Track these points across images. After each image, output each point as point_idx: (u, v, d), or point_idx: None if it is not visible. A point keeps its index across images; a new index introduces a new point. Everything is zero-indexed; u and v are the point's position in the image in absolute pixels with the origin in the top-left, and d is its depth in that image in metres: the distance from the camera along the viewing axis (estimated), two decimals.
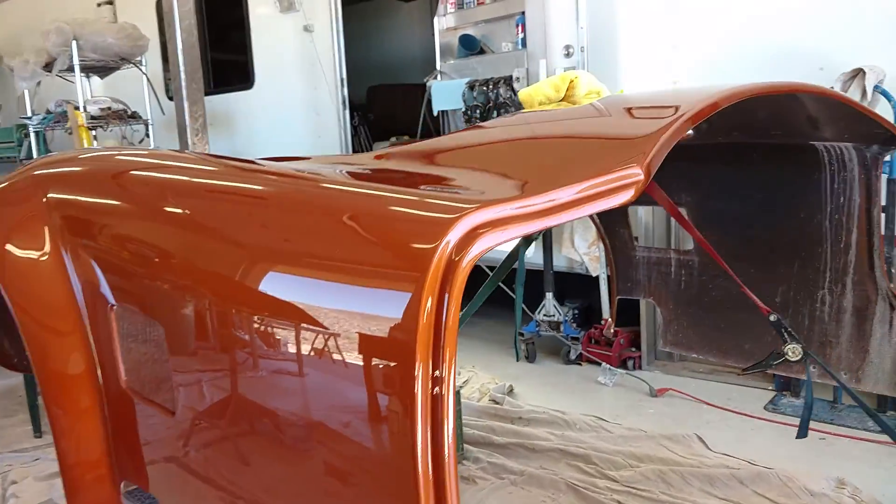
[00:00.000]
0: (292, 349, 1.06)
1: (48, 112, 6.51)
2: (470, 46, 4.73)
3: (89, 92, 6.79)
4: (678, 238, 3.90)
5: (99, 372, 1.57)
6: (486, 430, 3.20)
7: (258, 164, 1.51)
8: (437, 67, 4.92)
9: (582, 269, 4.15)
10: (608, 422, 3.27)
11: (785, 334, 1.53)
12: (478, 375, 3.97)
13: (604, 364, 3.90)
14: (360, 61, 7.00)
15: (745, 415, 3.29)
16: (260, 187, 1.35)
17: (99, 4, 8.01)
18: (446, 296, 0.83)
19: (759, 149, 2.25)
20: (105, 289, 1.55)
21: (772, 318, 1.56)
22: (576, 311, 4.29)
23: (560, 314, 4.20)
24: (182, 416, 1.35)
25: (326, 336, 0.98)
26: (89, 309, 1.57)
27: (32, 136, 6.49)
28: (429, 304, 0.83)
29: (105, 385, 1.56)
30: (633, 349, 4.00)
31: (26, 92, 6.38)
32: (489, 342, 4.53)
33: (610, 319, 2.88)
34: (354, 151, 6.31)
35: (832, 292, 2.18)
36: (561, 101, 1.68)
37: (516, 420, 3.35)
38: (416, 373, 0.83)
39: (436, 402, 0.83)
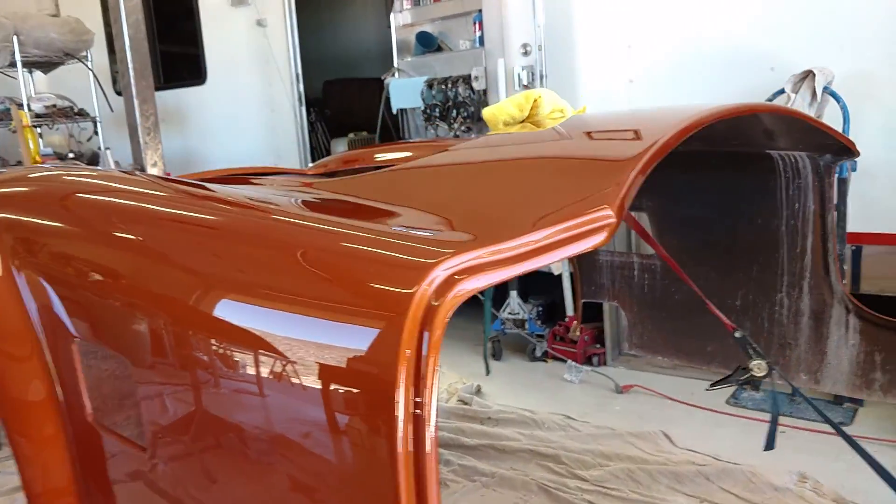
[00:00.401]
0: (267, 382, 1.04)
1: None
2: (427, 44, 4.70)
3: (32, 88, 6.56)
4: (639, 241, 3.96)
5: (62, 400, 1.52)
6: (455, 432, 3.22)
7: (220, 193, 1.47)
8: (395, 65, 4.88)
9: (545, 267, 4.18)
10: (576, 420, 3.32)
11: (750, 351, 1.56)
12: (445, 375, 3.98)
13: (569, 361, 3.95)
14: (315, 54, 6.90)
15: (709, 409, 3.38)
16: (220, 219, 1.32)
17: None
18: (426, 334, 0.83)
19: (716, 156, 2.29)
20: (63, 317, 1.51)
21: (737, 334, 1.59)
22: (540, 309, 4.32)
23: (524, 312, 4.23)
24: (153, 450, 1.32)
25: (307, 370, 0.97)
26: (48, 336, 1.52)
27: None
28: (406, 342, 0.83)
29: (70, 415, 1.51)
30: (598, 345, 4.06)
31: None
32: (456, 340, 4.54)
33: (576, 321, 2.91)
34: (312, 148, 6.23)
35: (790, 296, 2.24)
36: (525, 120, 1.68)
37: (486, 420, 3.38)
38: (395, 399, 0.83)
39: (417, 422, 0.84)
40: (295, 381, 0.98)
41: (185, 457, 1.34)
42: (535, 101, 1.67)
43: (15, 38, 5.60)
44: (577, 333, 3.74)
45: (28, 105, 5.86)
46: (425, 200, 1.20)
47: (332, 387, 0.95)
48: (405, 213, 1.12)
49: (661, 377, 3.84)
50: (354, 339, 0.91)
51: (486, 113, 1.69)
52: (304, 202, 1.34)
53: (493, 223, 1.03)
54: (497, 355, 4.27)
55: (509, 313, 4.29)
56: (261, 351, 1.03)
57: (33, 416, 1.51)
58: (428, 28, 4.76)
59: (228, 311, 1.11)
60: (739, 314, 2.29)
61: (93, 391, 1.49)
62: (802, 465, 2.68)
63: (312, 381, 0.96)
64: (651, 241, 1.78)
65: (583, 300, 2.76)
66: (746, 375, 1.60)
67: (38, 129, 6.02)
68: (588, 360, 4.04)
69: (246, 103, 6.26)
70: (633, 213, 2.16)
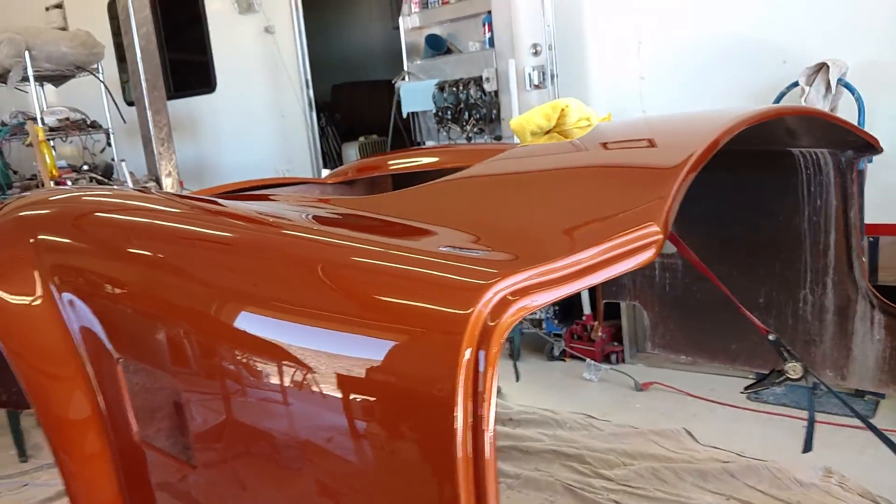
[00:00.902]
0: (326, 402, 1.05)
1: (3, 124, 6.32)
2: (437, 46, 4.72)
3: (44, 101, 6.61)
4: None
5: (106, 417, 1.55)
6: None
7: (253, 210, 1.49)
8: (405, 68, 4.90)
9: None
10: (597, 419, 3.33)
11: (785, 353, 1.58)
12: None
13: (588, 360, 3.96)
14: (323, 58, 6.93)
15: (730, 405, 3.39)
16: (263, 236, 1.34)
17: (48, 8, 7.79)
18: (481, 353, 0.85)
19: (737, 154, 2.30)
20: (102, 336, 1.53)
21: (770, 337, 1.61)
22: (556, 308, 4.34)
23: (541, 311, 4.25)
24: (202, 466, 1.35)
25: (369, 391, 0.98)
26: (91, 355, 1.55)
27: None
28: (464, 361, 0.86)
29: (115, 434, 1.54)
30: (616, 343, 4.08)
31: None
32: None
33: (596, 322, 2.93)
34: (323, 153, 6.26)
35: (814, 292, 2.25)
36: (552, 129, 1.70)
37: (507, 422, 3.40)
38: (455, 413, 0.86)
39: (477, 436, 0.87)
40: (357, 401, 1.00)
41: (231, 473, 1.36)
42: (563, 110, 1.69)
43: (27, 53, 5.64)
44: (599, 335, 3.75)
45: (42, 119, 5.90)
46: (466, 217, 1.22)
47: (392, 405, 0.97)
48: (448, 232, 1.13)
49: (680, 373, 3.85)
50: (413, 360, 0.92)
51: (514, 124, 1.71)
52: (347, 224, 1.36)
53: (540, 241, 1.04)
54: (515, 356, 4.29)
55: None
56: (317, 370, 1.05)
57: (77, 433, 1.54)
58: (437, 30, 4.77)
59: (289, 332, 1.12)
60: (763, 312, 2.30)
61: (135, 407, 1.51)
62: (827, 459, 2.69)
63: (374, 402, 0.97)
64: (677, 242, 1.79)
65: (604, 301, 2.78)
66: (782, 378, 1.61)
67: (52, 142, 6.07)
68: (606, 358, 4.05)
69: (256, 110, 6.30)
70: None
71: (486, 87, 4.31)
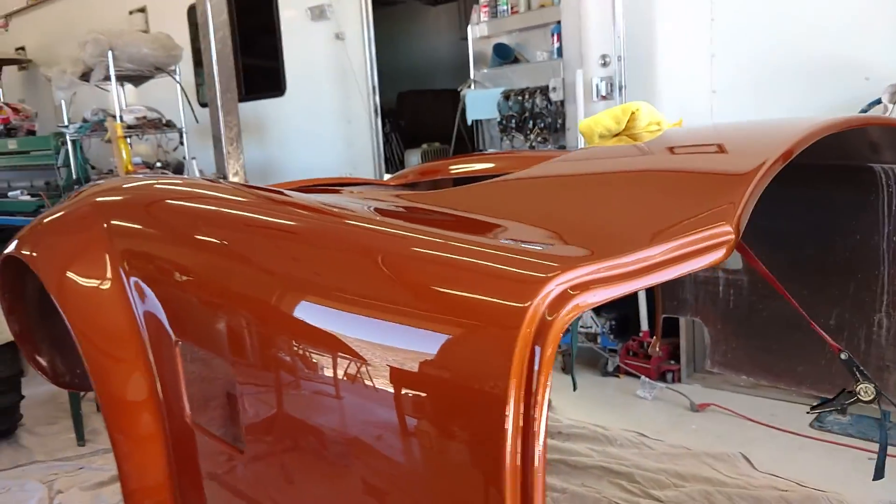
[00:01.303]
0: (376, 392, 1.05)
1: (84, 121, 6.61)
2: (504, 55, 4.72)
3: (123, 100, 6.88)
4: None
5: (162, 400, 1.58)
6: None
7: (327, 203, 1.50)
8: (471, 76, 4.91)
9: None
10: (650, 438, 3.25)
11: (857, 373, 1.50)
12: None
13: (643, 377, 3.87)
14: (389, 66, 7.01)
15: (791, 432, 3.25)
16: (335, 231, 1.33)
17: (131, 12, 8.12)
18: (537, 349, 0.83)
19: (813, 169, 2.21)
20: (166, 321, 1.57)
21: (842, 356, 1.53)
22: (612, 323, 4.26)
23: (597, 325, 4.18)
24: (252, 454, 1.36)
25: (419, 382, 0.97)
26: (152, 338, 1.59)
27: (69, 144, 6.59)
28: (519, 358, 0.84)
29: (168, 416, 1.57)
30: (672, 362, 3.97)
31: (63, 101, 6.48)
32: None
33: (655, 338, 2.85)
34: (386, 159, 6.32)
35: (890, 316, 2.14)
36: (621, 133, 1.67)
37: (556, 435, 3.34)
38: (506, 414, 0.84)
39: (527, 439, 0.84)
40: (407, 394, 0.99)
41: (281, 460, 1.37)
42: (633, 113, 1.66)
43: (110, 53, 5.89)
44: (657, 350, 3.66)
45: (121, 116, 6.15)
46: (530, 213, 1.20)
47: (442, 400, 0.95)
48: (511, 227, 1.12)
49: (739, 396, 3.72)
50: (466, 354, 0.91)
51: (583, 125, 1.69)
52: (410, 216, 1.36)
53: (607, 237, 1.02)
54: (568, 369, 4.22)
55: (581, 326, 4.24)
56: (369, 361, 1.05)
57: (134, 414, 1.58)
58: (505, 40, 4.78)
59: (343, 322, 1.11)
60: (833, 334, 2.19)
61: (192, 392, 1.55)
62: (893, 493, 2.55)
63: (423, 394, 0.96)
64: (747, 254, 1.73)
65: (663, 315, 2.71)
66: (852, 399, 1.53)
67: (129, 139, 6.32)
68: (662, 377, 3.95)
69: (323, 115, 6.41)
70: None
71: (552, 96, 4.29)
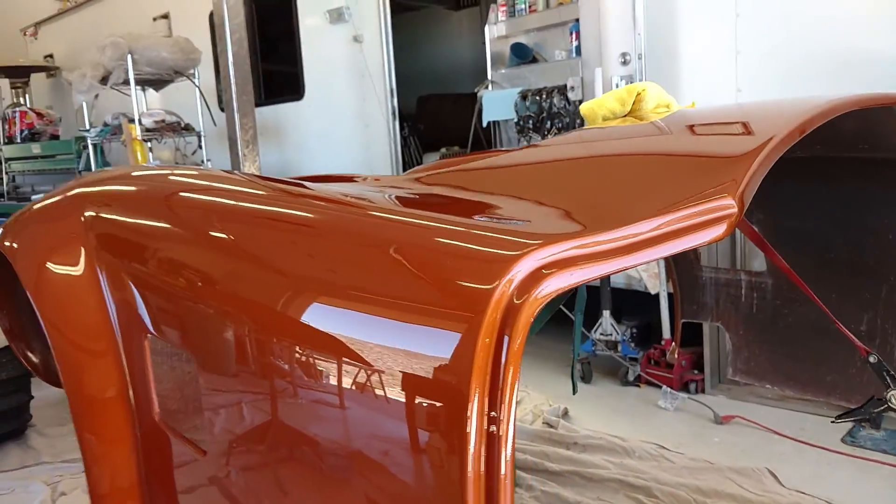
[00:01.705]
0: (335, 387, 0.95)
1: (105, 125, 6.63)
2: (522, 55, 4.61)
3: (145, 105, 6.90)
4: (744, 256, 3.69)
5: (132, 399, 1.49)
6: (539, 456, 3.06)
7: (305, 188, 1.41)
8: (488, 77, 4.81)
9: (640, 285, 3.97)
10: (670, 450, 3.08)
11: (888, 378, 1.35)
12: (531, 396, 3.82)
13: (664, 387, 3.70)
14: (410, 71, 6.95)
15: (821, 448, 3.06)
16: (308, 214, 1.24)
17: (154, 19, 8.17)
18: (505, 338, 0.72)
19: (840, 163, 2.06)
20: (139, 314, 1.48)
21: (871, 359, 1.39)
22: (634, 330, 4.10)
23: (617, 333, 4.02)
24: (214, 457, 1.26)
25: (374, 374, 0.87)
26: (123, 334, 1.50)
27: (90, 148, 6.62)
28: (483, 346, 0.72)
29: (138, 414, 1.48)
30: (696, 371, 3.80)
31: (84, 105, 6.51)
32: (543, 360, 4.37)
33: (673, 343, 2.71)
34: (404, 162, 6.24)
35: None
36: (627, 115, 1.54)
37: (572, 445, 3.20)
38: (467, 414, 0.72)
39: (491, 442, 0.72)
40: (361, 386, 0.88)
41: (251, 464, 1.27)
42: (639, 94, 1.53)
43: (129, 56, 5.90)
44: (675, 357, 3.50)
45: (139, 120, 6.15)
46: (519, 192, 1.09)
47: (400, 396, 0.84)
48: (497, 205, 1.00)
49: (765, 408, 3.54)
50: (424, 343, 0.80)
51: (585, 108, 1.57)
52: (392, 196, 1.26)
53: (593, 214, 0.90)
54: (587, 378, 4.07)
55: (601, 334, 4.09)
56: (323, 354, 0.95)
57: (103, 413, 1.49)
58: (523, 39, 4.66)
59: (292, 309, 1.03)
60: (864, 340, 2.03)
61: (163, 392, 1.46)
62: None
63: (379, 389, 0.86)
64: (769, 251, 1.59)
65: (683, 320, 2.56)
66: (882, 407, 1.39)
67: (149, 144, 6.32)
68: (685, 387, 3.78)
69: (341, 117, 6.35)
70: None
71: (571, 95, 4.16)
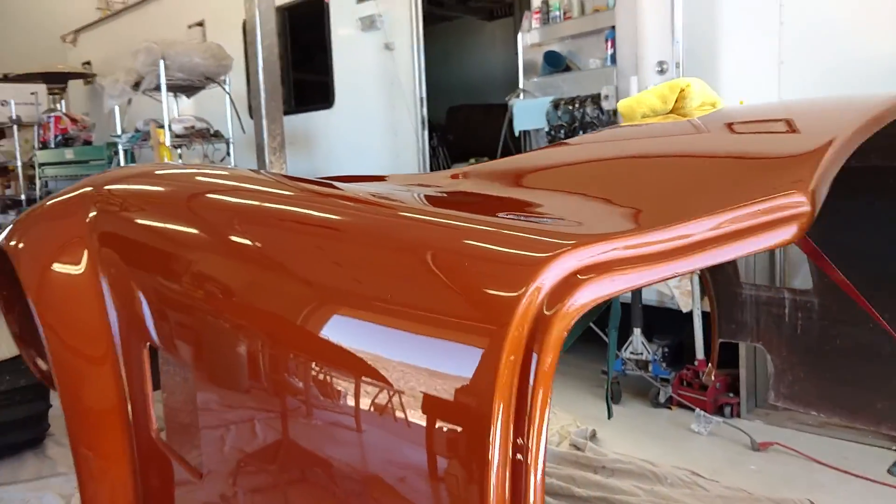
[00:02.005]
0: (347, 407, 0.84)
1: (137, 130, 6.66)
2: (555, 63, 4.49)
3: (176, 111, 6.92)
4: (783, 273, 3.51)
5: (130, 413, 1.40)
6: (566, 480, 2.91)
7: (322, 185, 1.30)
8: (520, 85, 4.70)
9: (672, 303, 3.80)
10: (704, 478, 2.92)
11: None
12: (557, 416, 3.67)
13: (697, 410, 3.53)
14: (441, 81, 6.88)
15: (866, 478, 2.88)
16: (319, 214, 1.14)
17: (189, 26, 8.23)
18: (534, 355, 0.60)
19: (893, 172, 1.91)
20: (139, 322, 1.39)
21: None
22: (665, 349, 3.93)
23: (648, 352, 3.86)
24: (217, 480, 1.16)
25: (389, 393, 0.76)
26: (123, 342, 1.41)
27: (121, 153, 6.64)
28: (508, 364, 0.60)
29: (136, 430, 1.39)
30: (731, 394, 3.62)
31: (116, 110, 6.54)
32: (571, 378, 4.22)
33: (710, 364, 2.55)
34: (432, 172, 6.15)
35: None
36: (669, 113, 1.42)
37: (599, 469, 3.05)
38: (489, 440, 0.61)
39: (518, 470, 0.61)
40: (374, 406, 0.77)
41: (256, 487, 1.16)
42: (682, 91, 1.41)
43: (161, 61, 5.91)
44: (711, 378, 3.33)
45: (169, 126, 6.15)
46: (557, 189, 0.97)
47: (418, 418, 0.73)
48: (532, 202, 0.89)
49: (805, 435, 3.35)
50: (443, 359, 0.69)
51: (623, 105, 1.45)
52: (418, 195, 1.14)
53: (640, 212, 0.78)
54: (616, 398, 3.91)
55: (631, 353, 3.93)
56: (335, 370, 0.84)
57: (101, 426, 1.40)
58: (556, 47, 4.55)
59: (302, 319, 0.93)
60: None
61: (163, 408, 1.36)
62: None
63: (395, 409, 0.74)
64: (828, 267, 1.45)
65: (720, 340, 2.41)
66: None
67: (179, 150, 6.32)
68: (719, 410, 3.60)
69: (370, 126, 6.30)
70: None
71: (605, 104, 4.03)
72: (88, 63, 10.46)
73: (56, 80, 9.74)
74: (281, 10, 6.31)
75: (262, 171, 4.97)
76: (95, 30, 10.51)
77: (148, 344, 1.33)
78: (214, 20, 7.98)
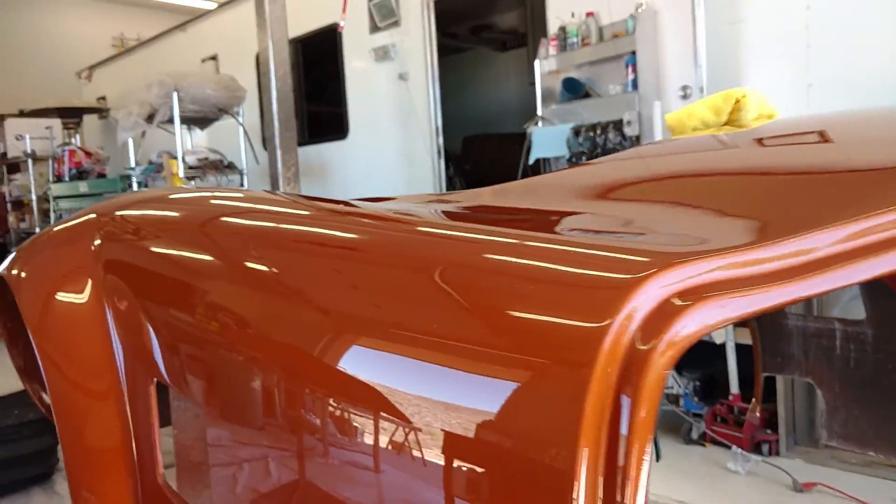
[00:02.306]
0: (389, 462, 0.70)
1: (150, 163, 6.63)
2: (574, 90, 4.41)
3: (190, 143, 6.90)
4: (820, 302, 3.35)
5: (135, 454, 1.28)
6: None
7: (346, 206, 1.19)
8: (538, 113, 4.61)
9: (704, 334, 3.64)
10: None
11: None
12: None
13: (734, 447, 3.35)
14: (456, 112, 6.83)
15: None
16: (346, 235, 1.02)
17: (203, 60, 8.26)
18: (625, 400, 0.47)
19: None
20: (147, 356, 1.27)
21: None
22: (697, 383, 3.76)
23: (679, 386, 3.69)
24: None
25: (436, 447, 0.62)
26: (128, 377, 1.29)
27: (135, 185, 6.60)
28: (593, 415, 0.47)
29: (140, 472, 1.26)
30: (769, 431, 3.44)
31: (130, 143, 6.52)
32: None
33: (754, 400, 2.40)
34: None
35: None
36: (722, 126, 1.30)
37: None
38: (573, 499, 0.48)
39: None
40: (419, 460, 0.64)
41: None
42: (738, 101, 1.29)
43: (175, 94, 5.89)
44: (757, 415, 3.15)
45: (182, 157, 6.11)
46: (632, 201, 0.84)
47: (474, 477, 0.59)
48: (607, 217, 0.76)
49: (850, 475, 3.16)
50: (513, 409, 0.55)
51: (671, 119, 1.33)
52: (465, 210, 1.01)
53: (745, 225, 0.65)
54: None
55: None
56: (370, 416, 0.70)
57: (103, 467, 1.28)
58: (574, 74, 4.47)
59: (329, 355, 0.80)
60: None
61: (174, 447, 1.24)
62: None
63: (443, 465, 0.61)
64: None
65: (765, 373, 2.26)
66: None
67: (192, 182, 6.28)
68: (756, 448, 3.42)
69: (385, 157, 6.23)
70: None
71: (627, 130, 3.93)
72: (103, 98, 10.53)
73: (71, 115, 9.81)
74: (294, 43, 6.30)
75: (277, 191, 4.89)
76: (110, 66, 10.61)
77: (156, 380, 1.21)
78: (228, 54, 8.01)
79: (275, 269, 1.08)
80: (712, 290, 0.48)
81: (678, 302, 0.48)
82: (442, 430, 0.60)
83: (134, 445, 1.26)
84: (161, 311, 1.30)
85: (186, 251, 1.36)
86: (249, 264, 1.16)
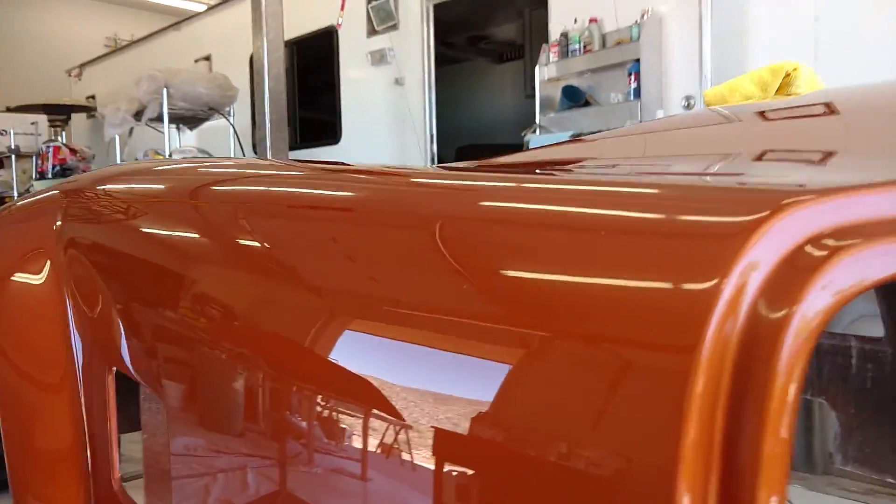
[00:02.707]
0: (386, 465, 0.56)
1: (136, 161, 6.47)
2: (574, 98, 4.31)
3: (178, 144, 6.75)
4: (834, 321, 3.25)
5: (89, 459, 1.12)
6: None
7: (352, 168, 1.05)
8: (537, 121, 4.51)
9: None
10: None
11: None
12: None
13: None
14: (451, 122, 6.73)
15: None
16: (368, 196, 0.88)
17: (196, 60, 8.13)
18: (749, 404, 0.33)
19: None
20: (110, 345, 1.12)
21: None
22: None
23: None
24: None
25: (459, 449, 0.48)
26: (85, 369, 1.14)
27: None
28: (699, 415, 0.33)
29: (94, 479, 1.11)
30: None
31: (117, 139, 6.36)
32: None
33: None
34: None
35: None
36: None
37: None
38: None
39: None
40: (437, 468, 0.49)
41: None
42: (788, 75, 1.16)
43: (164, 90, 5.74)
44: None
45: (170, 155, 5.95)
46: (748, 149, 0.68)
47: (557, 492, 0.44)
48: (687, 163, 0.61)
49: (849, 503, 3.03)
50: (579, 405, 0.40)
51: (711, 94, 1.21)
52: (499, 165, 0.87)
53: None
54: None
55: None
56: (416, 424, 0.55)
57: (52, 469, 1.12)
58: (574, 82, 4.38)
59: (323, 338, 0.65)
60: None
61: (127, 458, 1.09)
62: None
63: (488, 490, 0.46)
64: None
65: None
66: None
67: None
68: None
69: (378, 162, 6.11)
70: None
71: None
72: (93, 97, 10.35)
73: (58, 112, 9.61)
74: (289, 45, 6.18)
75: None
76: (101, 64, 10.45)
77: (115, 372, 1.06)
78: (221, 54, 7.89)
79: (261, 243, 0.94)
80: (873, 230, 0.35)
81: (815, 253, 0.34)
82: (472, 453, 0.46)
83: (88, 446, 1.11)
84: (128, 297, 1.15)
85: (158, 228, 1.21)
86: (228, 240, 1.02)
